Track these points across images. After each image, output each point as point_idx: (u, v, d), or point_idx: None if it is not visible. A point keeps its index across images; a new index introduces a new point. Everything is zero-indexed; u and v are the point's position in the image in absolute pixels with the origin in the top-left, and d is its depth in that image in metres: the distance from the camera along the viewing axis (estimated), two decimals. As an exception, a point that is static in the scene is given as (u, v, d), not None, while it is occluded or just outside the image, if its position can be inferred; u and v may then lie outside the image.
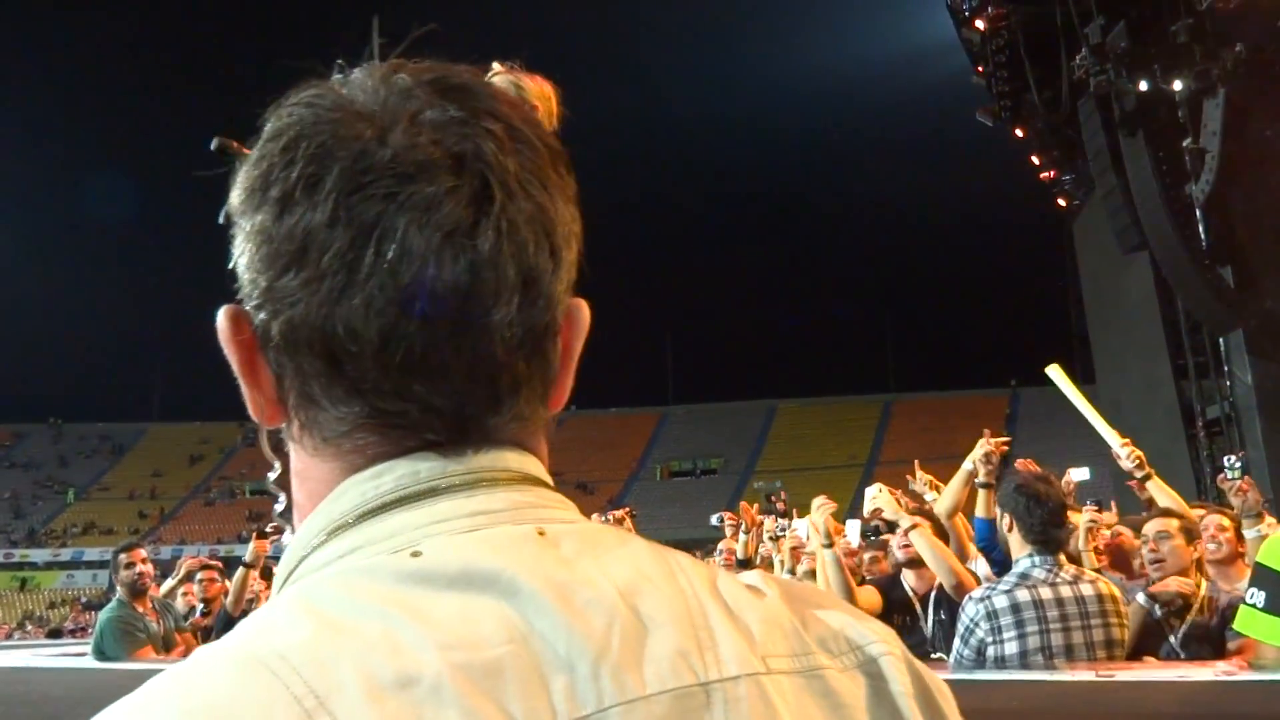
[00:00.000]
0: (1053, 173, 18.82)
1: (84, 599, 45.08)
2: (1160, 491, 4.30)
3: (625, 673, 0.51)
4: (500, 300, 0.56)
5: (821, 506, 4.48)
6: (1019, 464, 4.42)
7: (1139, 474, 4.37)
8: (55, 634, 24.14)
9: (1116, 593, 3.23)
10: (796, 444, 51.49)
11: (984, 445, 4.38)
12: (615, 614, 0.53)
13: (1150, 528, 3.82)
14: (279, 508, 0.64)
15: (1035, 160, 18.69)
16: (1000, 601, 3.11)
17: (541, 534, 0.57)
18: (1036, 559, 3.17)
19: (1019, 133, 17.92)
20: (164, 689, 0.48)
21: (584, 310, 0.64)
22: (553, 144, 0.61)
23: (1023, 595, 3.09)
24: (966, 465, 4.42)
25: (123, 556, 5.39)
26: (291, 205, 0.56)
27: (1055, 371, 4.79)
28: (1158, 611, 3.58)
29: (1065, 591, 3.10)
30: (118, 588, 5.35)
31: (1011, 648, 3.04)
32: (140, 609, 5.25)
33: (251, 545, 5.77)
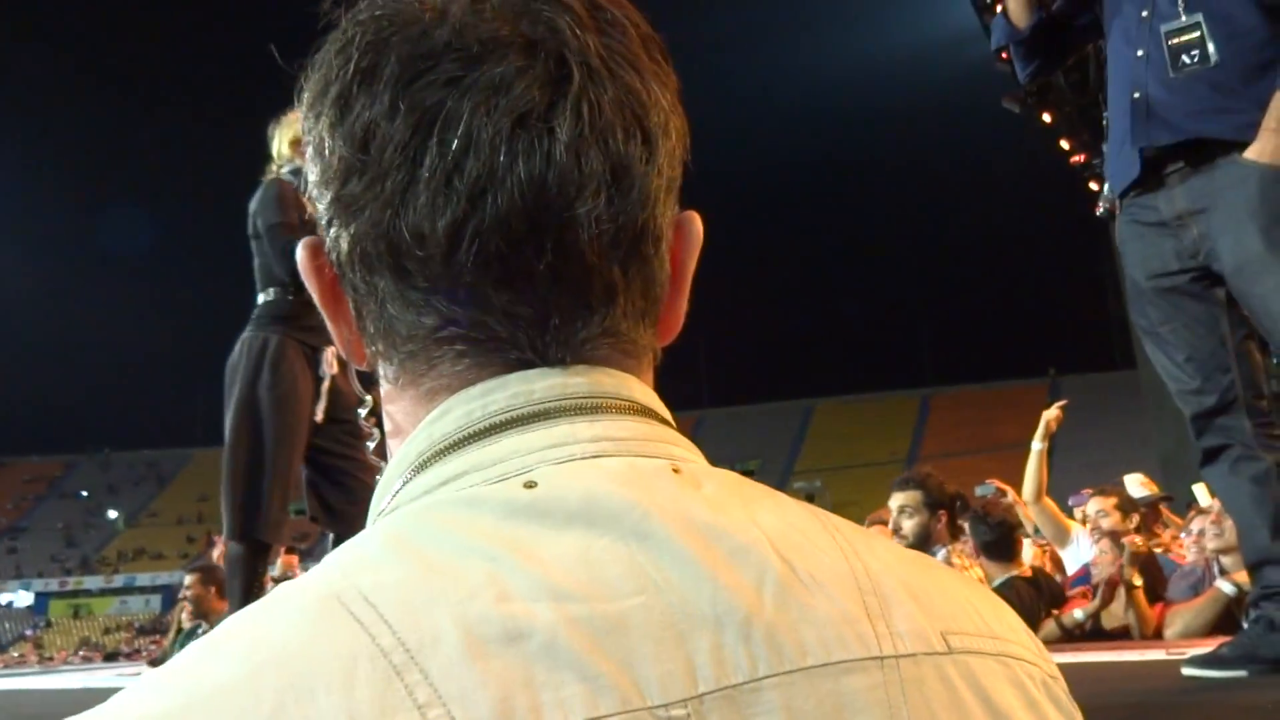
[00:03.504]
0: (1083, 156, 18.53)
1: (137, 624, 45.85)
2: None
3: (782, 636, 0.42)
4: (585, 192, 0.48)
5: None
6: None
7: None
8: (112, 657, 24.91)
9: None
10: (835, 442, 51.14)
11: (1047, 415, 4.51)
12: (767, 567, 0.44)
13: (1220, 501, 3.75)
14: (371, 445, 0.57)
15: (1065, 145, 18.44)
16: None
17: (677, 471, 0.48)
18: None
19: (1046, 118, 17.69)
20: (236, 637, 0.42)
21: (696, 222, 0.56)
22: (644, 25, 0.53)
23: None
24: (1037, 445, 4.55)
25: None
26: (350, 103, 0.50)
27: None
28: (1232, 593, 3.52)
29: None
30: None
31: None
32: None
33: (279, 560, 5.89)
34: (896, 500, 3.66)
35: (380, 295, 0.51)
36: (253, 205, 3.18)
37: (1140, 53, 2.29)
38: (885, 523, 4.98)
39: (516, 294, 0.49)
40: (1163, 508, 5.53)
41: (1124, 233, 2.39)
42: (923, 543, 3.56)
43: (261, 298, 3.22)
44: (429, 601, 0.41)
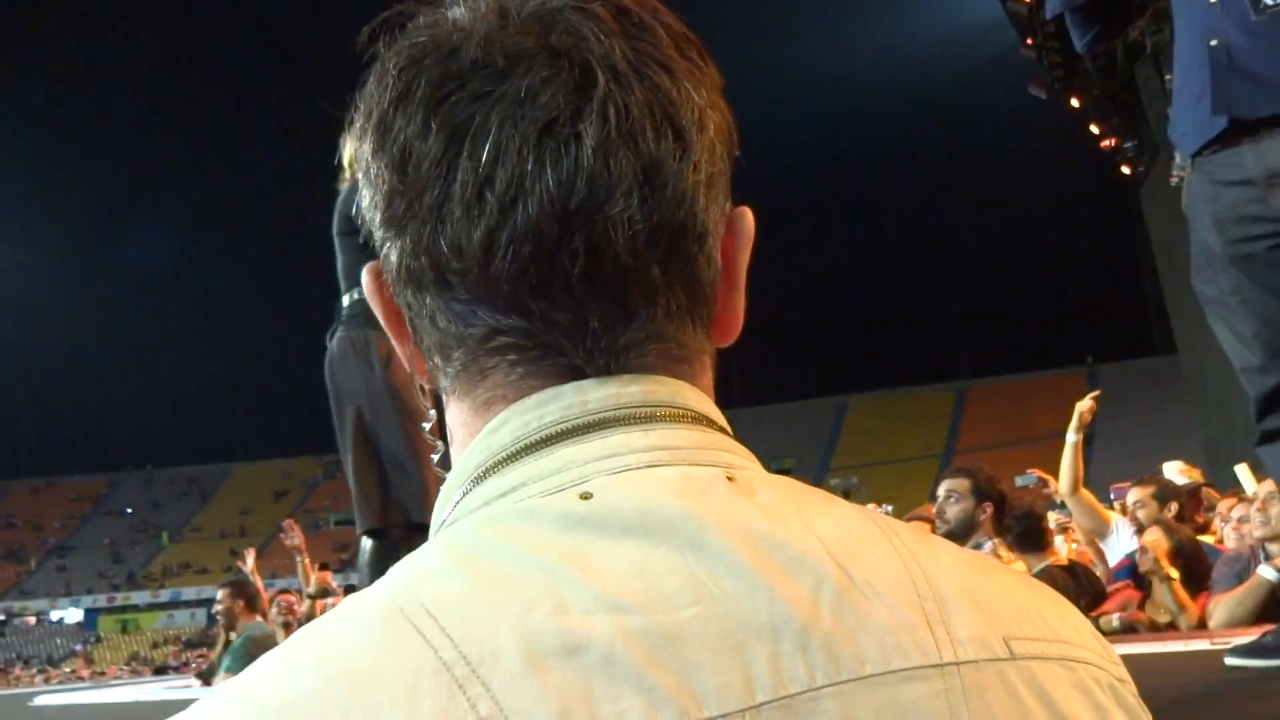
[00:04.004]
0: (1114, 141, 18.28)
1: (184, 637, 46.58)
2: None
3: (839, 646, 0.42)
4: (615, 193, 0.49)
5: None
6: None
7: None
8: (161, 671, 25.42)
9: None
10: (870, 438, 50.79)
11: (1080, 407, 4.43)
12: (824, 575, 0.44)
13: (1265, 486, 3.69)
14: (436, 457, 0.59)
15: (1094, 130, 18.19)
16: None
17: (731, 479, 0.48)
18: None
19: (1075, 103, 17.47)
20: (306, 650, 0.43)
21: (747, 217, 0.56)
22: (676, 26, 0.53)
23: None
24: (1071, 438, 4.48)
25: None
26: (389, 126, 0.52)
27: None
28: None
29: None
30: None
31: None
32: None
33: (314, 577, 6.00)
34: (944, 486, 3.67)
35: (429, 310, 0.53)
36: (340, 205, 3.13)
37: None
38: (926, 519, 4.96)
39: (553, 300, 0.50)
40: (1206, 490, 5.44)
41: (1197, 192, 2.18)
42: (965, 530, 3.55)
43: (348, 298, 3.18)
44: (489, 614, 0.41)
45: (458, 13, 0.53)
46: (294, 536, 5.88)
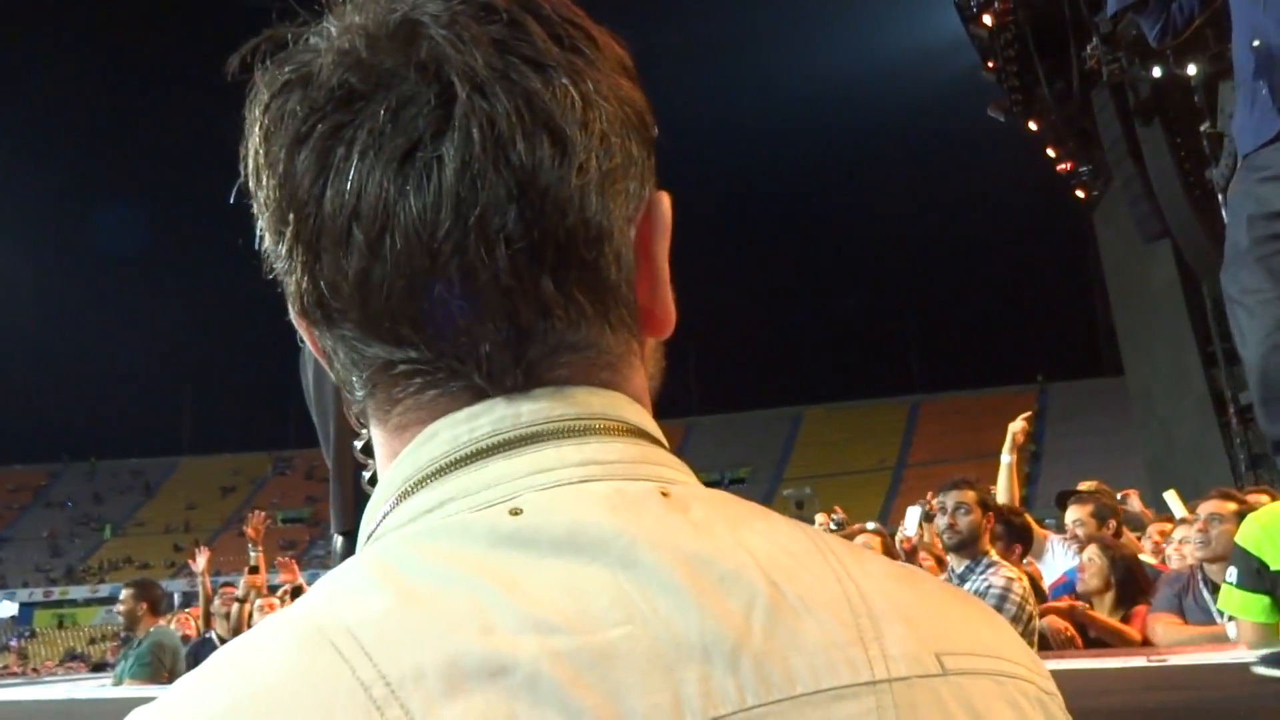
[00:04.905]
0: (1069, 165, 18.66)
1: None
2: None
3: (770, 665, 0.42)
4: (487, 214, 0.46)
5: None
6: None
7: None
8: (99, 668, 24.80)
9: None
10: (824, 450, 51.21)
11: (1013, 428, 4.56)
12: (756, 593, 0.43)
13: (1205, 507, 3.76)
14: (367, 475, 0.57)
15: (1051, 153, 18.55)
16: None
17: (665, 495, 0.47)
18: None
19: (1032, 126, 17.81)
20: (225, 669, 0.42)
21: (661, 204, 0.53)
22: (557, 13, 0.51)
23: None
24: (1006, 458, 4.56)
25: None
26: (260, 175, 0.50)
27: None
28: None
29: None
30: None
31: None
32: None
33: (243, 580, 5.87)
34: (952, 499, 3.80)
35: (330, 342, 0.52)
36: None
37: None
38: (877, 533, 5.05)
39: (439, 330, 0.48)
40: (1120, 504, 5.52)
41: (1239, 189, 2.13)
42: (974, 540, 3.72)
43: None
44: (412, 634, 0.41)
45: (321, 36, 0.51)
46: (256, 524, 5.76)
